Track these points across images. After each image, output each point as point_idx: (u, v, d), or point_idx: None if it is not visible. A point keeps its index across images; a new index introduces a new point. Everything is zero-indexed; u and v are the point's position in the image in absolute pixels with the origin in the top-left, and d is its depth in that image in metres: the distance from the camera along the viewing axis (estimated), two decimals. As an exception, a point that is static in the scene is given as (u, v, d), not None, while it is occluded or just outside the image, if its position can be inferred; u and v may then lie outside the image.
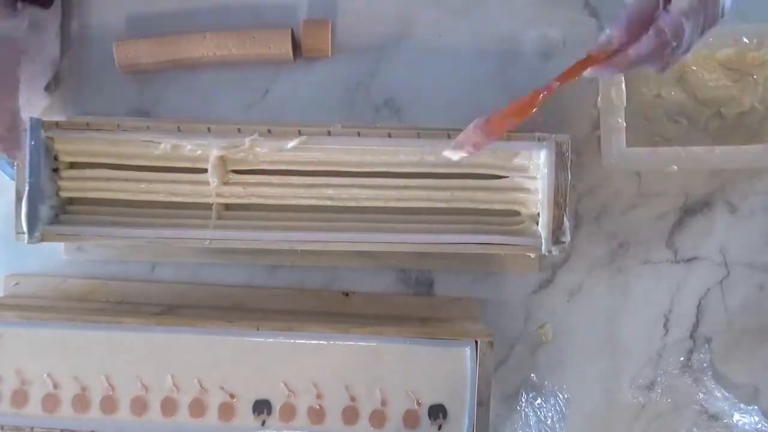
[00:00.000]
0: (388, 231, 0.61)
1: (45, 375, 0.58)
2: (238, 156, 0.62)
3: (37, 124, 0.59)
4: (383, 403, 0.58)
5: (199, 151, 0.62)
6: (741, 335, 0.67)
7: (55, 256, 0.67)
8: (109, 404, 0.58)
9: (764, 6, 0.64)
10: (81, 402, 0.58)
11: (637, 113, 0.65)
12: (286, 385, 0.59)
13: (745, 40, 0.61)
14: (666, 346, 0.67)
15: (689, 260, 0.67)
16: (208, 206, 0.63)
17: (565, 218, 0.60)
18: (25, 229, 0.60)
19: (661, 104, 0.65)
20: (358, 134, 0.61)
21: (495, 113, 0.55)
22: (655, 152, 0.61)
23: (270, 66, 0.66)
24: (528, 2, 0.66)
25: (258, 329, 0.59)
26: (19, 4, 0.55)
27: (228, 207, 0.64)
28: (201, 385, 0.59)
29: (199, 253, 0.66)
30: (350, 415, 0.58)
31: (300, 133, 0.61)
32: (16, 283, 0.67)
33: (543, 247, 0.60)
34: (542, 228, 0.61)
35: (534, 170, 0.62)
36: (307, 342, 0.59)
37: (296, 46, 0.65)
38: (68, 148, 0.61)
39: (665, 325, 0.67)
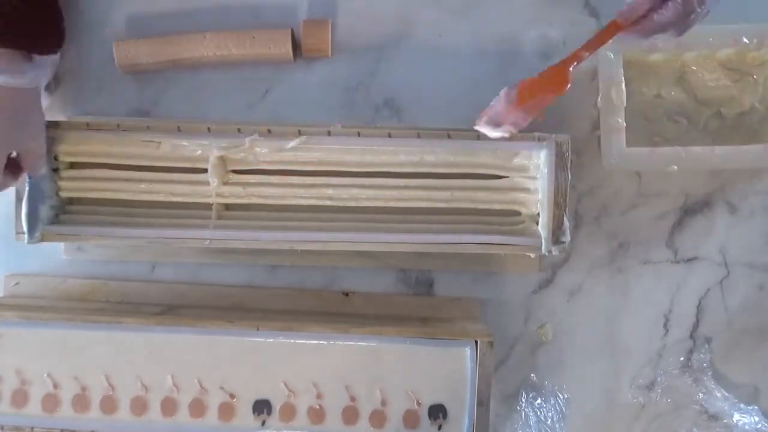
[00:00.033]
0: (388, 231, 0.61)
1: (45, 375, 0.58)
2: (238, 156, 0.62)
3: (37, 124, 0.59)
4: (383, 403, 0.58)
5: (199, 151, 0.62)
6: (741, 335, 0.67)
7: (55, 256, 0.67)
8: (109, 404, 0.58)
9: (764, 6, 0.64)
10: (81, 402, 0.58)
11: (637, 113, 0.65)
12: (286, 385, 0.59)
13: (745, 40, 0.61)
14: (666, 346, 0.67)
15: (689, 260, 0.67)
16: (208, 206, 0.63)
17: (565, 218, 0.60)
18: (25, 229, 0.60)
19: (661, 104, 0.65)
20: (358, 134, 0.61)
21: (523, 82, 0.55)
22: (655, 152, 0.61)
23: (270, 66, 0.66)
24: (528, 2, 0.66)
25: (258, 329, 0.59)
26: (36, 58, 0.56)
27: (228, 207, 0.64)
28: (201, 385, 0.59)
29: (199, 253, 0.66)
30: (350, 415, 0.58)
31: (300, 133, 0.61)
32: (16, 283, 0.67)
33: (543, 247, 0.60)
34: (542, 228, 0.61)
35: (534, 170, 0.62)
36: (307, 342, 0.59)
37: (296, 46, 0.65)
38: (68, 148, 0.61)
39: (665, 325, 0.67)
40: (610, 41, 0.52)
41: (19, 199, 0.59)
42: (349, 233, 0.61)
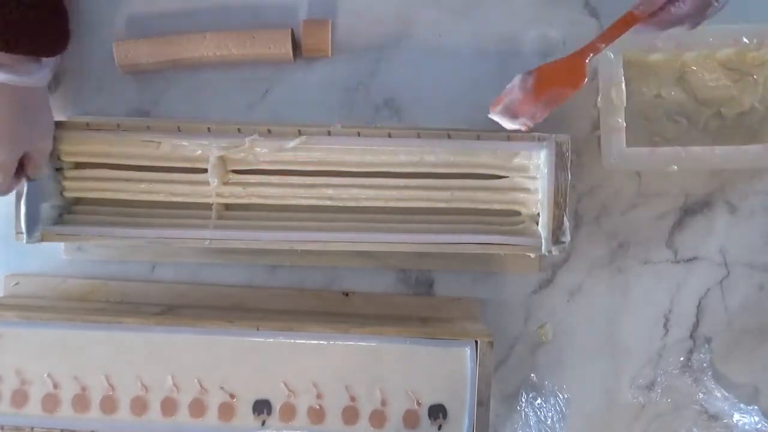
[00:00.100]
0: (388, 231, 0.61)
1: (45, 375, 0.58)
2: (238, 156, 0.62)
3: (37, 124, 0.59)
4: (383, 403, 0.58)
5: (199, 151, 0.62)
6: (741, 335, 0.67)
7: (55, 256, 0.67)
8: (109, 404, 0.58)
9: (764, 6, 0.64)
10: (81, 402, 0.58)
11: (637, 113, 0.65)
12: (286, 385, 0.59)
13: (745, 40, 0.61)
14: (666, 346, 0.67)
15: (689, 260, 0.67)
16: (208, 206, 0.63)
17: (565, 218, 0.60)
18: (23, 229, 0.60)
19: (661, 104, 0.65)
20: (358, 134, 0.61)
21: (540, 69, 0.54)
22: (655, 152, 0.61)
23: (270, 66, 0.66)
24: (528, 2, 0.66)
25: (258, 329, 0.59)
26: (44, 60, 0.57)
27: (228, 207, 0.64)
28: (201, 385, 0.59)
29: (199, 253, 0.66)
30: (350, 415, 0.58)
31: (300, 133, 0.61)
32: (16, 283, 0.67)
33: (543, 247, 0.60)
34: (542, 228, 0.61)
35: (534, 170, 0.62)
36: (307, 342, 0.59)
37: (296, 46, 0.65)
38: (68, 148, 0.61)
39: (665, 325, 0.67)
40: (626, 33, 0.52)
41: (18, 199, 0.59)
42: (349, 233, 0.61)
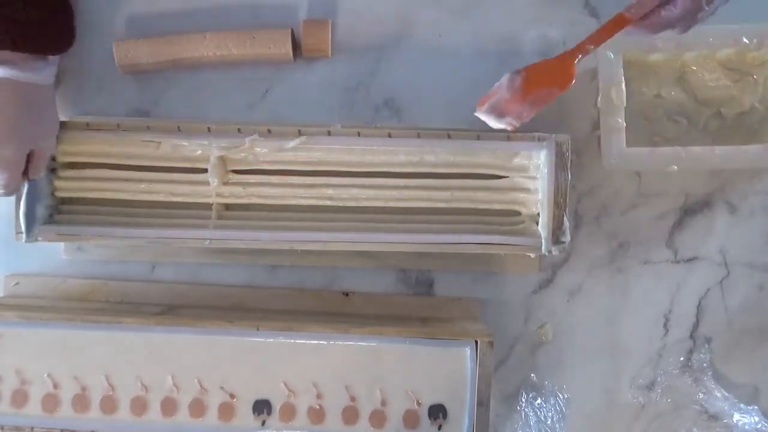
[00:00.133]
0: (388, 231, 0.61)
1: (45, 375, 0.58)
2: (238, 156, 0.62)
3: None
4: (383, 403, 0.58)
5: (199, 151, 0.62)
6: (741, 335, 0.67)
7: (55, 256, 0.67)
8: (109, 404, 0.58)
9: (764, 6, 0.64)
10: (81, 402, 0.58)
11: (637, 113, 0.65)
12: (286, 385, 0.59)
13: (745, 40, 0.61)
14: (666, 346, 0.67)
15: (689, 260, 0.67)
16: (208, 206, 0.63)
17: (565, 218, 0.60)
18: (23, 228, 0.60)
19: (661, 104, 0.65)
20: (358, 134, 0.61)
21: (528, 69, 0.54)
22: (655, 152, 0.61)
23: (270, 66, 0.66)
24: (528, 2, 0.66)
25: (258, 329, 0.59)
26: (50, 58, 0.57)
27: (228, 207, 0.64)
28: (201, 385, 0.59)
29: (199, 253, 0.66)
30: (350, 415, 0.58)
31: (300, 133, 0.61)
32: (16, 283, 0.67)
33: (543, 247, 0.60)
34: (542, 228, 0.61)
35: (534, 170, 0.62)
36: (307, 342, 0.59)
37: (296, 46, 0.65)
38: (68, 148, 0.61)
39: (665, 325, 0.67)
40: (616, 35, 0.52)
41: (18, 199, 0.59)
42: (349, 233, 0.61)
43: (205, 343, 0.59)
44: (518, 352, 0.67)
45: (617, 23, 0.51)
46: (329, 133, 0.61)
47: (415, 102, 0.66)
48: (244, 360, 0.59)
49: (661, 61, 0.64)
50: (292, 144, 0.61)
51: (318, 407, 0.59)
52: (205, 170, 0.62)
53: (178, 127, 0.61)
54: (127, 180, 0.62)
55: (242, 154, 0.62)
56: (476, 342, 0.58)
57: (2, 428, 0.58)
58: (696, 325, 0.67)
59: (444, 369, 0.58)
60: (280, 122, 0.63)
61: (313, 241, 0.61)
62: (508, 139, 0.60)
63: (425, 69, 0.66)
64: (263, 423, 0.58)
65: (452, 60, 0.66)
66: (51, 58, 0.57)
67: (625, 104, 0.61)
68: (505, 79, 0.55)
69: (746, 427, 0.65)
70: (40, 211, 0.61)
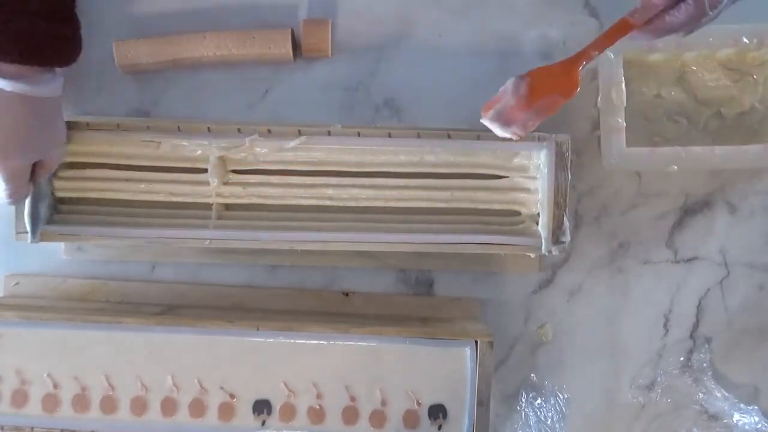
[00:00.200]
0: (388, 231, 0.61)
1: (45, 375, 0.58)
2: (238, 156, 0.62)
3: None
4: (383, 403, 0.59)
5: (199, 151, 0.62)
6: (741, 335, 0.67)
7: (55, 256, 0.67)
8: (109, 404, 0.58)
9: (764, 6, 0.64)
10: (81, 402, 0.58)
11: (637, 113, 0.65)
12: (286, 385, 0.59)
13: (745, 40, 0.61)
14: (666, 346, 0.67)
15: (689, 260, 0.67)
16: (208, 206, 0.63)
17: (565, 218, 0.60)
18: (28, 228, 0.60)
19: (661, 104, 0.65)
20: (358, 134, 0.61)
21: (533, 74, 0.54)
22: (655, 152, 0.61)
23: (270, 66, 0.66)
24: (528, 2, 0.66)
25: (258, 329, 0.59)
26: (58, 70, 0.57)
27: (228, 207, 0.64)
28: (201, 385, 0.59)
29: (199, 253, 0.66)
30: (350, 415, 0.58)
31: (300, 133, 0.61)
32: (16, 283, 0.67)
33: (543, 247, 0.60)
34: (542, 228, 0.61)
35: (534, 170, 0.62)
36: (307, 342, 0.59)
37: (296, 46, 0.65)
38: (68, 148, 0.61)
39: (665, 325, 0.67)
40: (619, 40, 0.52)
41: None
42: (349, 233, 0.61)
43: (205, 343, 0.59)
44: (518, 352, 0.67)
45: (621, 28, 0.51)
46: (329, 133, 0.61)
47: (415, 102, 0.66)
48: (244, 360, 0.59)
49: (661, 61, 0.64)
50: (292, 144, 0.61)
51: (318, 407, 0.59)
52: (205, 170, 0.62)
53: (178, 127, 0.61)
54: (127, 180, 0.62)
55: (242, 154, 0.62)
56: (476, 342, 0.58)
57: (2, 428, 0.58)
58: (696, 325, 0.67)
59: (444, 369, 0.58)
60: (280, 122, 0.63)
61: (313, 241, 0.61)
62: (509, 138, 0.60)
63: (425, 69, 0.66)
64: (263, 423, 0.58)
65: (452, 60, 0.66)
66: (58, 70, 0.57)
67: (625, 104, 0.61)
68: (510, 84, 0.55)
69: (746, 427, 0.65)
70: (41, 211, 0.61)
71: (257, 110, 0.66)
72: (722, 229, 0.67)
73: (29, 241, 0.60)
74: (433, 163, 0.62)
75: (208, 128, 0.61)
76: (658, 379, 0.67)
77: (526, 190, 0.62)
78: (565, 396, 0.67)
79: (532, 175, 0.62)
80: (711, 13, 0.48)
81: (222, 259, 0.67)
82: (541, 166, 0.61)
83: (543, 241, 0.60)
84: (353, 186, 0.62)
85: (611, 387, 0.67)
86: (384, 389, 0.59)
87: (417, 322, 0.64)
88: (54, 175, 0.62)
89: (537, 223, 0.62)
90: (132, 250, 0.67)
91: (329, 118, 0.65)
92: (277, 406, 0.58)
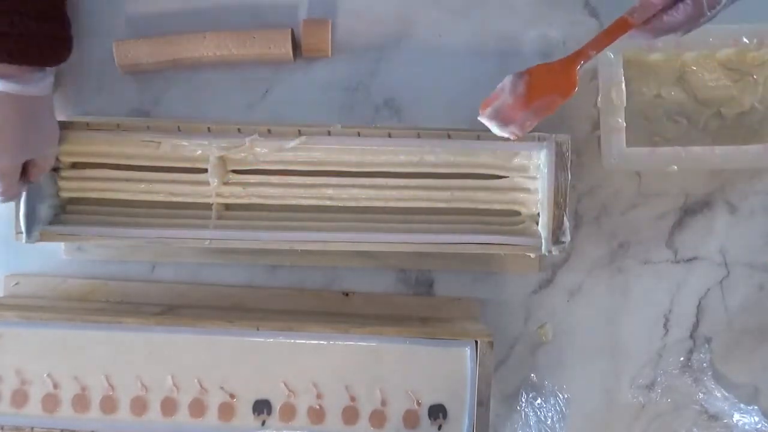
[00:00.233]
0: (388, 231, 0.61)
1: (45, 375, 0.58)
2: (238, 156, 0.62)
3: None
4: (383, 403, 0.58)
5: (199, 151, 0.62)
6: (741, 335, 0.67)
7: (55, 256, 0.67)
8: (109, 404, 0.58)
9: (764, 6, 0.64)
10: (81, 402, 0.58)
11: (637, 113, 0.65)
12: (286, 385, 0.59)
13: (745, 40, 0.61)
14: (666, 346, 0.67)
15: (689, 260, 0.67)
16: (208, 206, 0.63)
17: (565, 218, 0.60)
18: (23, 228, 0.60)
19: (661, 104, 0.65)
20: (358, 134, 0.61)
21: (531, 73, 0.54)
22: (655, 152, 0.61)
23: (270, 66, 0.66)
24: (528, 2, 0.66)
25: (258, 329, 0.59)
26: (47, 69, 0.57)
27: (228, 207, 0.64)
28: (201, 385, 0.59)
29: (199, 253, 0.66)
30: (350, 415, 0.58)
31: (300, 133, 0.61)
32: (16, 283, 0.67)
33: (543, 247, 0.60)
34: (542, 228, 0.61)
35: (534, 170, 0.62)
36: (307, 342, 0.59)
37: (296, 46, 0.65)
38: (68, 148, 0.61)
39: (665, 325, 0.67)
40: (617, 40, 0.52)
41: (17, 200, 0.59)
42: (349, 233, 0.61)
43: (205, 343, 0.59)
44: (518, 352, 0.67)
45: (619, 28, 0.51)
46: (329, 133, 0.61)
47: (415, 102, 0.66)
48: (244, 360, 0.59)
49: (661, 61, 0.64)
50: (292, 144, 0.61)
51: (318, 407, 0.59)
52: (205, 170, 0.62)
53: (178, 127, 0.61)
54: (127, 180, 0.62)
55: (242, 154, 0.62)
56: (476, 342, 0.58)
57: (2, 428, 0.58)
58: (696, 325, 0.67)
59: (444, 369, 0.58)
60: (280, 122, 0.63)
61: (313, 241, 0.61)
62: (508, 138, 0.60)
63: (425, 69, 0.66)
64: (263, 423, 0.58)
65: (452, 60, 0.66)
66: (49, 69, 0.57)
67: (625, 104, 0.61)
68: (507, 82, 0.55)
69: (746, 427, 0.65)
70: (44, 212, 0.61)
71: (257, 110, 0.66)
72: (722, 229, 0.67)
73: (24, 241, 0.60)
74: (433, 163, 0.62)
75: (208, 128, 0.61)
76: (658, 379, 0.67)
77: (526, 190, 0.62)
78: (565, 396, 0.67)
79: (532, 175, 0.62)
80: (709, 13, 0.48)
81: (222, 259, 0.67)
82: (541, 166, 0.61)
83: (543, 241, 0.60)
84: (353, 186, 0.62)
85: (611, 387, 0.67)
86: (384, 389, 0.59)
87: (417, 322, 0.64)
88: (58, 174, 0.62)
89: (537, 223, 0.62)
90: (132, 250, 0.67)
91: (329, 118, 0.65)
92: (277, 406, 0.58)
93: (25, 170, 0.57)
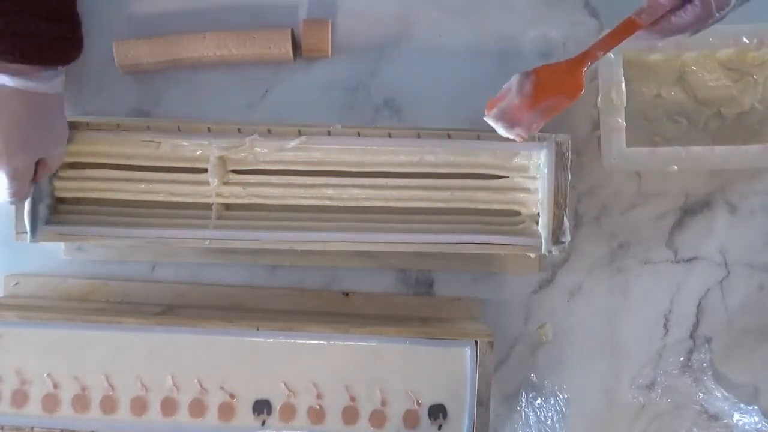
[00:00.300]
0: (388, 231, 0.61)
1: (45, 375, 0.58)
2: (238, 156, 0.62)
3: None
4: (383, 403, 0.58)
5: (199, 151, 0.62)
6: (741, 335, 0.67)
7: (55, 256, 0.67)
8: (109, 404, 0.58)
9: (764, 6, 0.64)
10: (81, 402, 0.58)
11: (637, 113, 0.65)
12: (286, 385, 0.59)
13: (745, 40, 0.61)
14: (666, 346, 0.67)
15: (689, 260, 0.67)
16: (208, 206, 0.63)
17: (565, 218, 0.60)
18: (27, 228, 0.60)
19: (661, 104, 0.65)
20: (358, 134, 0.61)
21: (538, 73, 0.54)
22: (655, 152, 0.61)
23: (270, 66, 0.66)
24: (528, 2, 0.66)
25: (258, 329, 0.59)
26: (59, 68, 0.58)
27: (228, 207, 0.64)
28: (201, 385, 0.59)
29: (199, 253, 0.66)
30: (350, 415, 0.58)
31: (300, 133, 0.61)
32: (16, 283, 0.67)
33: (543, 247, 0.60)
34: (542, 228, 0.61)
35: (534, 170, 0.62)
36: (307, 342, 0.59)
37: (296, 46, 0.65)
38: (69, 148, 0.61)
39: (665, 325, 0.67)
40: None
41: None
42: (349, 233, 0.61)
43: (205, 343, 0.59)
44: (518, 352, 0.67)
45: (627, 29, 0.51)
46: (329, 133, 0.61)
47: (415, 102, 0.66)
48: (244, 360, 0.59)
49: (661, 61, 0.64)
50: (292, 144, 0.61)
51: (318, 407, 0.59)
52: (205, 170, 0.62)
53: (178, 127, 0.61)
54: (127, 180, 0.62)
55: (242, 154, 0.62)
56: (476, 342, 0.58)
57: (2, 428, 0.58)
58: (696, 325, 0.67)
59: (444, 369, 0.58)
60: (280, 122, 0.63)
61: (313, 241, 0.61)
62: (508, 138, 0.60)
63: (425, 69, 0.66)
64: (263, 423, 0.58)
65: (452, 60, 0.66)
66: (59, 67, 0.57)
67: (625, 104, 0.61)
68: (514, 81, 0.55)
69: (746, 427, 0.65)
70: (41, 211, 0.61)
71: (257, 110, 0.66)
72: (722, 229, 0.67)
73: (29, 240, 0.60)
74: (433, 163, 0.62)
75: (208, 128, 0.61)
76: (658, 379, 0.67)
77: (526, 190, 0.62)
78: (565, 396, 0.67)
79: (532, 175, 0.62)
80: (718, 14, 0.48)
81: (222, 259, 0.67)
82: (541, 166, 0.61)
83: (543, 241, 0.60)
84: (353, 186, 0.62)
85: (611, 387, 0.67)
86: (384, 389, 0.59)
87: (417, 322, 0.64)
88: (54, 174, 0.62)
89: (537, 223, 0.62)
90: (132, 250, 0.67)
91: (329, 118, 0.65)
92: (277, 406, 0.58)
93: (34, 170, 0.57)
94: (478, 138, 0.61)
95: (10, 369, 0.58)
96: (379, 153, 0.62)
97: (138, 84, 0.66)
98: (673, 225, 0.67)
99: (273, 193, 0.63)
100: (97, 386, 0.58)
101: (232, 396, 0.59)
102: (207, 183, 0.62)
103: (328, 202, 0.63)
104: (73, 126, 0.60)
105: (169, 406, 0.58)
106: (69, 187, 0.63)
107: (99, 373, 0.58)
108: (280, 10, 0.66)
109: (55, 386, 0.58)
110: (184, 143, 0.61)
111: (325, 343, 0.59)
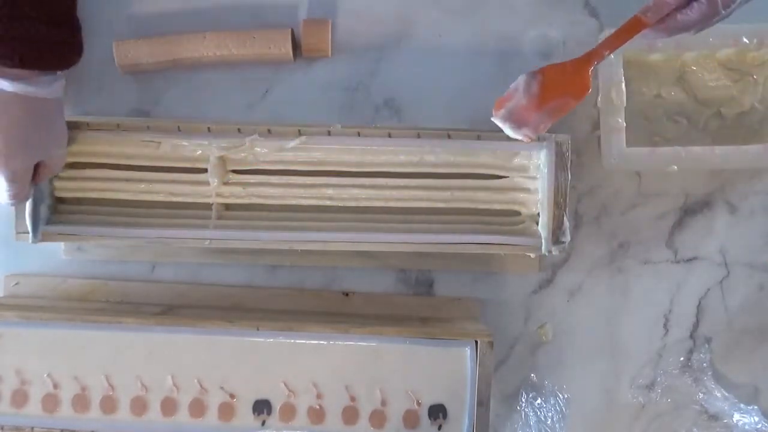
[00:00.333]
0: (388, 231, 0.61)
1: (45, 375, 0.58)
2: (238, 156, 0.62)
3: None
4: (383, 403, 0.58)
5: (199, 151, 0.62)
6: (741, 335, 0.67)
7: (55, 256, 0.67)
8: (109, 404, 0.58)
9: (764, 6, 0.64)
10: (81, 402, 0.58)
11: (637, 113, 0.65)
12: (286, 385, 0.59)
13: (745, 40, 0.61)
14: (666, 346, 0.67)
15: (689, 260, 0.67)
16: (208, 206, 0.63)
17: (565, 218, 0.60)
18: (29, 228, 0.60)
19: (661, 104, 0.65)
20: (358, 134, 0.61)
21: (545, 72, 0.54)
22: (655, 152, 0.61)
23: (270, 66, 0.66)
24: (528, 2, 0.66)
25: (258, 329, 0.59)
26: (58, 72, 0.57)
27: (228, 207, 0.64)
28: (201, 385, 0.59)
29: (199, 253, 0.66)
30: (350, 415, 0.58)
31: (300, 133, 0.61)
32: (16, 283, 0.67)
33: (543, 247, 0.60)
34: (542, 228, 0.61)
35: (534, 170, 0.62)
36: (307, 342, 0.59)
37: (296, 46, 0.65)
38: (69, 148, 0.61)
39: (665, 325, 0.67)
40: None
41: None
42: (349, 233, 0.61)
43: (205, 343, 0.59)
44: (518, 352, 0.67)
45: (633, 27, 0.51)
46: (329, 133, 0.61)
47: (415, 102, 0.66)
48: (244, 360, 0.59)
49: (661, 61, 0.64)
50: (292, 144, 0.61)
51: (318, 407, 0.59)
52: (205, 170, 0.62)
53: (178, 127, 0.61)
54: (127, 180, 0.62)
55: (242, 154, 0.62)
56: (476, 342, 0.58)
57: (2, 428, 0.58)
58: (696, 325, 0.67)
59: (444, 369, 0.58)
60: (280, 122, 0.63)
61: (313, 241, 0.61)
62: (509, 139, 0.60)
63: (425, 69, 0.66)
64: (263, 423, 0.58)
65: (452, 60, 0.66)
66: (59, 72, 0.57)
67: (625, 104, 0.61)
68: (521, 81, 0.55)
69: (746, 427, 0.65)
70: (43, 212, 0.61)
71: (257, 110, 0.66)
72: (722, 229, 0.67)
73: (30, 241, 0.60)
74: (433, 163, 0.62)
75: (208, 128, 0.61)
76: (658, 379, 0.67)
77: (526, 190, 0.62)
78: (565, 396, 0.67)
79: (532, 175, 0.62)
80: (724, 12, 0.48)
81: (222, 259, 0.67)
82: (541, 166, 0.61)
83: (543, 241, 0.60)
84: (353, 186, 0.62)
85: (611, 387, 0.67)
86: (384, 389, 0.59)
87: (417, 322, 0.64)
88: (57, 175, 0.62)
89: (537, 223, 0.62)
90: (132, 250, 0.67)
91: (329, 118, 0.65)
92: (277, 406, 0.58)
93: (34, 172, 0.57)
94: (478, 138, 0.61)
95: (10, 369, 0.58)
96: (379, 153, 0.62)
97: (138, 84, 0.66)
98: (673, 225, 0.67)
99: (273, 193, 0.63)
100: (97, 386, 0.58)
101: (232, 396, 0.59)
102: (207, 183, 0.62)
103: (328, 202, 0.63)
104: (73, 126, 0.60)
105: (169, 406, 0.58)
106: (69, 187, 0.63)
107: (99, 373, 0.58)
108: (280, 10, 0.66)
109: (55, 386, 0.58)
110: (184, 143, 0.61)
111: (325, 343, 0.59)
